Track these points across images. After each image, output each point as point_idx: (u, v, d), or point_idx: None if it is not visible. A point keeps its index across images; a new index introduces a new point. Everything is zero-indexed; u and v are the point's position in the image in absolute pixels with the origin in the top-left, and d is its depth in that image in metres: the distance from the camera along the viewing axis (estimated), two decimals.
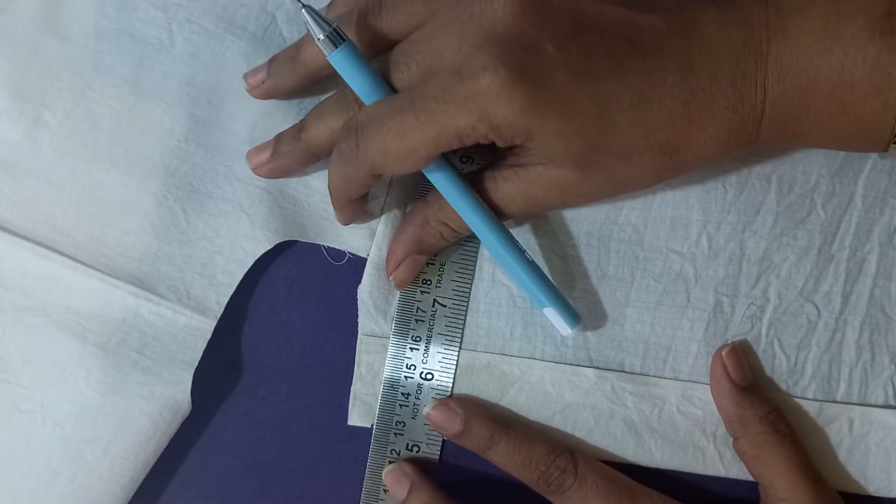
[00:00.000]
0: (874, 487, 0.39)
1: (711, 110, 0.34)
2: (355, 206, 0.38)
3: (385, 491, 0.39)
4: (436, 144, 0.34)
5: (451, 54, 0.33)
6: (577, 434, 0.39)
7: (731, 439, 0.39)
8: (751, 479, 0.39)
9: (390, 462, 0.39)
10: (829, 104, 0.33)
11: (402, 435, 0.40)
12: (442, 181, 0.36)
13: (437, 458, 0.40)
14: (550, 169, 0.35)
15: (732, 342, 0.39)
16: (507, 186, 0.36)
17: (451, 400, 0.39)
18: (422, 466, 0.39)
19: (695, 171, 0.38)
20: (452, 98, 0.33)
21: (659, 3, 0.35)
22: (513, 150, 0.36)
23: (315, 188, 0.41)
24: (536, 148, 0.34)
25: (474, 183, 0.37)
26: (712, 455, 0.39)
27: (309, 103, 0.41)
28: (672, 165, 0.35)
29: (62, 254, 0.40)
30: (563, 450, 0.37)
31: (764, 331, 0.40)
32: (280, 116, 0.41)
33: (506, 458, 0.37)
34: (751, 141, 0.35)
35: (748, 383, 0.38)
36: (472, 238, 0.39)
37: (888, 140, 0.34)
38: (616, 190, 0.37)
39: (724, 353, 0.38)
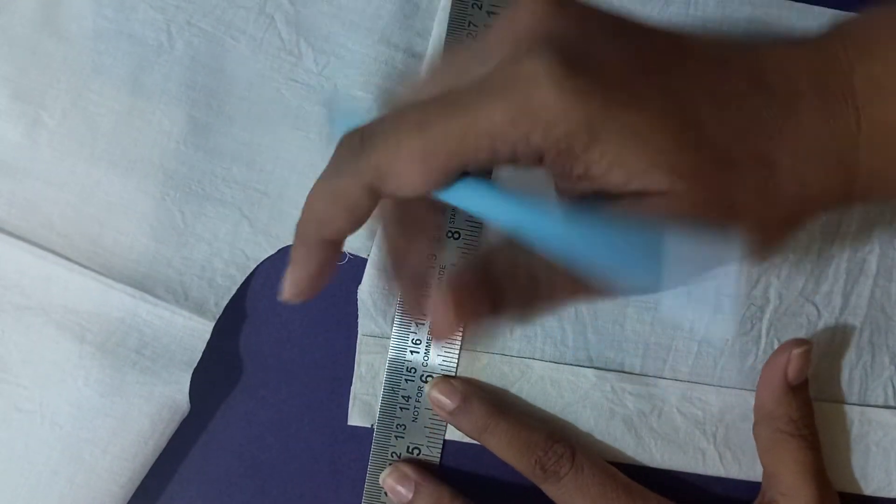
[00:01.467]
0: (873, 487, 0.39)
1: (798, 121, 0.28)
2: (322, 254, 0.28)
3: (386, 494, 0.39)
4: (460, 146, 0.25)
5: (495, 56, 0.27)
6: (577, 434, 0.39)
7: (731, 439, 0.39)
8: (750, 479, 0.39)
9: (390, 464, 0.39)
10: None
11: (402, 438, 0.40)
12: (474, 198, 0.27)
13: (438, 460, 0.40)
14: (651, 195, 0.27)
15: (809, 342, 0.38)
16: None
17: (453, 378, 0.39)
18: (421, 466, 0.39)
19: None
20: (487, 87, 0.26)
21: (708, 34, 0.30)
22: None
23: None
24: (606, 157, 0.26)
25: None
26: (712, 455, 0.39)
27: (311, 110, 0.41)
28: (773, 190, 0.28)
29: (60, 255, 0.39)
30: (561, 437, 0.38)
31: (764, 331, 0.40)
32: (279, 120, 0.41)
33: (502, 443, 0.37)
34: (850, 167, 0.29)
35: (798, 384, 0.38)
36: (471, 239, 0.39)
37: None
38: (721, 223, 0.28)
39: (795, 352, 0.37)
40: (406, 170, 0.26)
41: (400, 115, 0.27)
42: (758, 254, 0.29)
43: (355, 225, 0.28)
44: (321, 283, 0.29)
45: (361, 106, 0.21)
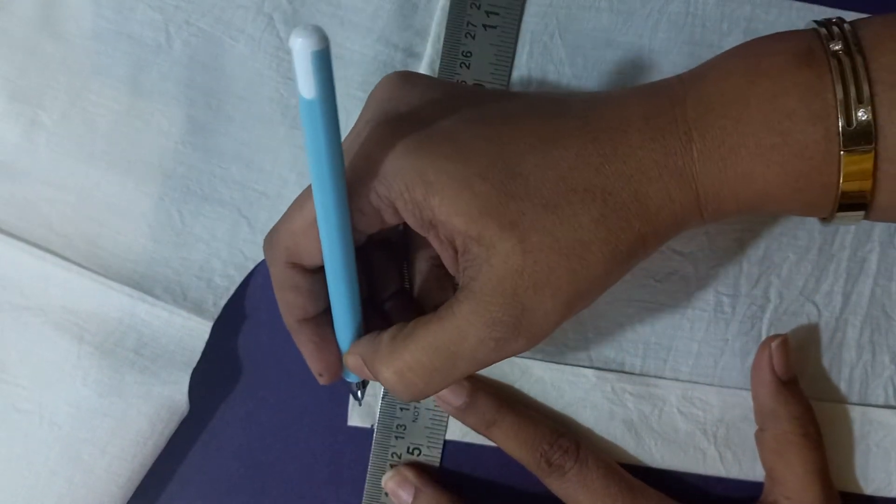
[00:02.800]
0: (874, 487, 0.39)
1: (626, 143, 0.30)
2: (312, 333, 0.34)
3: (386, 494, 0.39)
4: None
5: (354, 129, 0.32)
6: (578, 434, 0.39)
7: (732, 439, 0.39)
8: (751, 479, 0.39)
9: (392, 466, 0.39)
10: (768, 135, 0.30)
11: (402, 438, 0.40)
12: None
13: (438, 462, 0.40)
14: (492, 258, 0.29)
15: (784, 335, 0.39)
16: (461, 309, 0.30)
17: None
18: (422, 471, 0.39)
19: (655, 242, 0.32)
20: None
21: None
22: (459, 269, 0.31)
23: None
24: (445, 206, 0.29)
25: (423, 317, 0.31)
26: (713, 455, 0.39)
27: None
28: (612, 215, 0.30)
29: (58, 255, 0.40)
30: (566, 431, 0.38)
31: (764, 330, 0.40)
32: (278, 119, 0.41)
33: (509, 437, 0.37)
34: (688, 179, 0.31)
35: (789, 378, 0.38)
36: None
37: (836, 184, 0.30)
38: (574, 268, 0.30)
39: (773, 345, 0.38)
40: (304, 244, 0.31)
41: (291, 206, 0.32)
42: (617, 275, 0.31)
43: (307, 297, 0.33)
44: (334, 356, 0.34)
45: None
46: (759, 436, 0.38)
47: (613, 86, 0.41)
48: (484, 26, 0.41)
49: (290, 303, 0.33)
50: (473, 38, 0.41)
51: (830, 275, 0.40)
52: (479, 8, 0.41)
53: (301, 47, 0.24)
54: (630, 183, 0.30)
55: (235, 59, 0.41)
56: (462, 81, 0.33)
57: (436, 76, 0.41)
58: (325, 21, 0.41)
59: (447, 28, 0.41)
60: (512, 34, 0.41)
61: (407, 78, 0.32)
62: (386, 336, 0.32)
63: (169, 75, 0.41)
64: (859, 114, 0.29)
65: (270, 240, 0.32)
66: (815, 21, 0.31)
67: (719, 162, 0.30)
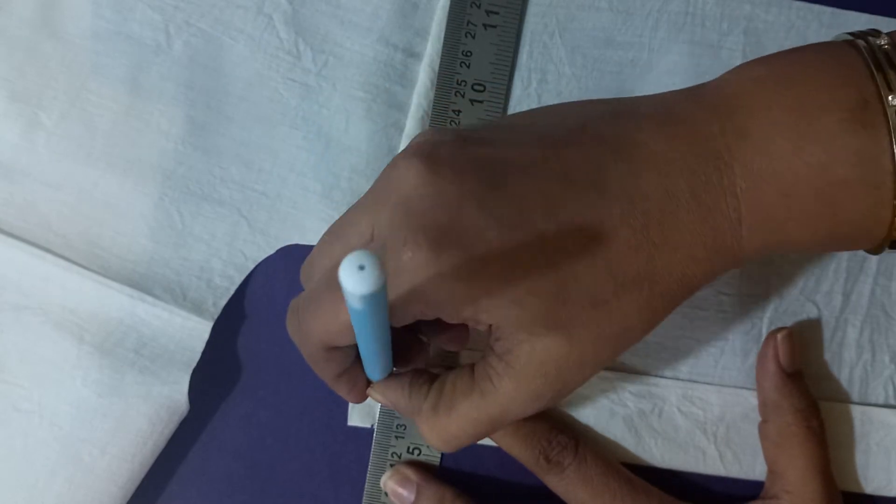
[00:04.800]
0: (874, 486, 0.39)
1: (676, 228, 0.30)
2: (348, 380, 0.34)
3: (386, 494, 0.39)
4: None
5: (376, 229, 0.30)
6: (578, 433, 0.39)
7: (732, 438, 0.39)
8: (751, 478, 0.39)
9: (391, 466, 0.39)
10: (816, 206, 0.29)
11: (402, 438, 0.40)
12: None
13: (438, 461, 0.40)
14: (535, 342, 0.29)
15: (789, 327, 0.39)
16: (503, 385, 0.30)
17: None
18: (423, 469, 0.39)
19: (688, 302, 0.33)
20: None
21: (582, 132, 0.31)
22: (491, 334, 0.31)
23: (312, 189, 0.41)
24: (494, 319, 0.29)
25: (463, 383, 0.32)
26: (713, 455, 0.39)
27: (309, 109, 0.41)
28: (658, 299, 0.30)
29: (58, 255, 0.39)
30: (565, 427, 0.38)
31: (765, 329, 0.40)
32: (278, 119, 0.41)
33: (507, 433, 0.37)
34: (735, 253, 0.31)
35: (794, 371, 0.38)
36: None
37: (883, 239, 0.30)
38: (616, 346, 0.31)
39: (779, 336, 0.38)
40: (342, 339, 0.30)
41: (320, 297, 0.30)
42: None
43: (342, 361, 0.33)
44: (363, 387, 0.35)
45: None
46: (763, 428, 0.38)
47: (613, 85, 0.41)
48: (484, 26, 0.41)
49: (324, 368, 0.33)
50: (473, 37, 0.41)
51: (830, 274, 0.40)
52: (479, 7, 0.41)
53: (352, 289, 0.23)
54: (678, 267, 0.30)
55: (235, 59, 0.41)
56: (432, 148, 0.30)
57: (436, 75, 0.41)
58: (324, 21, 0.41)
59: (447, 28, 0.41)
60: (512, 34, 0.41)
61: (433, 166, 0.30)
62: (426, 406, 0.33)
63: (168, 75, 0.41)
64: None
65: (301, 329, 0.32)
66: (852, 34, 0.30)
67: (766, 234, 0.30)
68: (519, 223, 0.29)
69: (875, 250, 0.31)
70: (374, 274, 0.23)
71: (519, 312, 0.29)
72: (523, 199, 0.30)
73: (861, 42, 0.30)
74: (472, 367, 0.32)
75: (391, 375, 0.35)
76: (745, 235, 0.30)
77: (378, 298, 0.24)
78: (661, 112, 0.31)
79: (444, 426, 0.32)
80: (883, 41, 0.30)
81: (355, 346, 0.32)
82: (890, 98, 0.28)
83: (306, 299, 0.32)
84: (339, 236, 0.32)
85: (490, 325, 0.30)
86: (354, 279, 0.23)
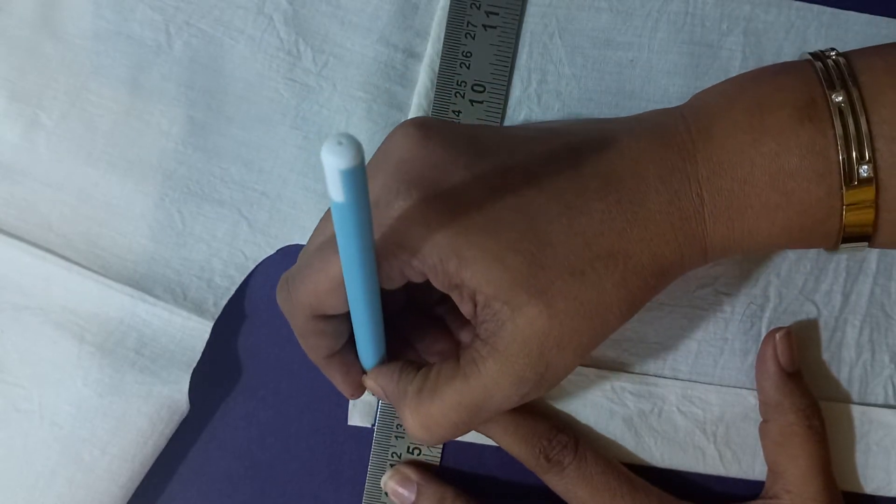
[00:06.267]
0: (874, 486, 0.39)
1: (646, 207, 0.32)
2: (340, 364, 0.35)
3: (387, 494, 0.39)
4: None
5: (371, 194, 0.31)
6: (577, 433, 0.39)
7: (732, 438, 0.39)
8: (750, 478, 0.39)
9: (391, 466, 0.39)
10: (773, 195, 0.32)
11: (402, 438, 0.40)
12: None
13: (438, 461, 0.40)
14: (517, 318, 0.30)
15: (787, 327, 0.39)
16: (487, 368, 0.31)
17: None
18: (423, 468, 0.39)
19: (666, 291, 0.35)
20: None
21: (566, 132, 0.34)
22: (477, 320, 0.32)
23: (313, 189, 0.41)
24: (477, 279, 0.30)
25: (447, 368, 0.32)
26: (712, 455, 0.39)
27: (309, 109, 0.41)
28: (633, 276, 0.32)
29: (58, 255, 0.40)
30: (565, 426, 0.38)
31: (764, 329, 0.40)
32: (278, 119, 0.41)
33: (507, 433, 0.37)
34: (701, 240, 0.33)
35: (794, 370, 0.38)
36: None
37: (838, 231, 0.32)
38: (595, 326, 0.32)
39: (778, 336, 0.38)
40: (330, 301, 0.31)
41: (309, 260, 0.32)
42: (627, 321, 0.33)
43: (332, 338, 0.33)
44: (358, 378, 0.35)
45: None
46: (763, 428, 0.38)
47: (613, 85, 0.41)
48: (484, 26, 0.41)
49: (315, 346, 0.34)
50: (473, 38, 0.41)
51: (830, 274, 0.40)
52: (479, 8, 0.41)
53: (331, 164, 0.23)
54: (649, 246, 0.32)
55: (235, 59, 0.41)
56: (426, 119, 0.32)
57: (435, 75, 0.41)
58: (324, 21, 0.41)
59: (447, 28, 0.41)
60: (512, 34, 0.41)
61: (426, 132, 0.32)
62: (412, 389, 0.33)
63: (169, 76, 0.41)
64: (861, 171, 0.31)
65: (289, 295, 0.32)
66: (811, 54, 0.33)
67: (727, 222, 0.32)
68: (503, 186, 0.31)
69: (833, 246, 0.33)
70: (354, 147, 0.23)
71: (500, 272, 0.30)
72: (507, 168, 0.32)
73: (816, 57, 0.33)
74: (457, 355, 0.33)
75: (383, 364, 0.35)
76: (708, 220, 0.32)
77: (358, 180, 0.24)
78: (635, 121, 0.34)
79: (426, 410, 0.32)
80: (833, 54, 0.33)
81: (347, 324, 0.32)
82: (833, 96, 0.31)
83: (296, 267, 0.33)
84: (329, 214, 0.32)
85: (475, 302, 0.31)
86: (334, 154, 0.23)
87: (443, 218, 0.30)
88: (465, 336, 0.36)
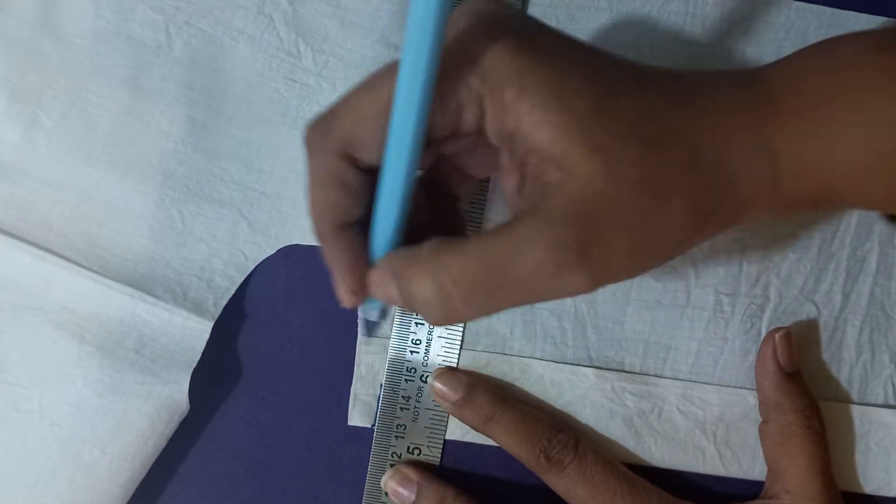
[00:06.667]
0: (873, 486, 0.39)
1: (716, 105, 0.29)
2: (348, 242, 0.31)
3: (387, 494, 0.39)
4: None
5: None
6: (577, 433, 0.39)
7: (731, 438, 0.39)
8: (750, 478, 0.39)
9: (391, 465, 0.39)
10: (851, 112, 0.29)
11: (402, 438, 0.40)
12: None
13: (439, 461, 0.40)
14: (567, 182, 0.27)
15: (787, 327, 0.39)
16: (522, 225, 0.27)
17: (456, 370, 0.39)
18: (423, 468, 0.39)
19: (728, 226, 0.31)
20: None
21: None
22: (521, 197, 0.29)
23: None
24: (534, 112, 0.27)
25: (487, 239, 0.28)
26: (712, 454, 0.39)
27: (309, 109, 0.41)
28: (701, 174, 0.28)
29: (58, 255, 0.39)
30: (565, 426, 0.38)
31: (764, 329, 0.40)
32: (278, 119, 0.41)
33: (507, 432, 0.37)
34: (771, 153, 0.29)
35: (793, 370, 0.38)
36: None
37: None
38: (657, 211, 0.28)
39: (777, 336, 0.38)
40: (370, 128, 0.28)
41: (355, 88, 0.29)
42: (686, 244, 0.29)
43: (353, 197, 0.30)
44: (362, 270, 0.31)
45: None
46: (763, 428, 0.38)
47: None
48: None
49: (332, 202, 0.30)
50: None
51: (830, 274, 0.40)
52: None
53: None
54: (716, 146, 0.29)
55: (235, 59, 0.41)
56: None
57: None
58: (324, 21, 0.41)
59: None
60: None
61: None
62: (428, 245, 0.29)
63: (169, 76, 0.41)
64: None
65: (323, 125, 0.29)
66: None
67: (804, 137, 0.29)
68: (576, 45, 0.29)
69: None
70: None
71: (559, 112, 0.27)
72: (580, 41, 0.30)
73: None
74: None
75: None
76: (781, 130, 0.29)
77: None
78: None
79: (442, 265, 0.28)
80: None
81: (370, 192, 0.30)
82: None
83: (342, 96, 0.30)
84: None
85: (525, 164, 0.28)
86: None
87: (511, 44, 0.27)
88: None
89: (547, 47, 0.28)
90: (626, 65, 0.30)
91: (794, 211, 0.31)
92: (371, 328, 0.39)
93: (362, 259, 0.31)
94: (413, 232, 0.31)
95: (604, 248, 0.27)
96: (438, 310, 0.28)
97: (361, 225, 0.31)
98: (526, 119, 0.27)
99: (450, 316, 0.28)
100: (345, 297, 0.31)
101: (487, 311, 0.28)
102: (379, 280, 0.31)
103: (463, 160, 0.33)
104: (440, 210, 0.34)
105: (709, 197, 0.29)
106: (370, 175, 0.30)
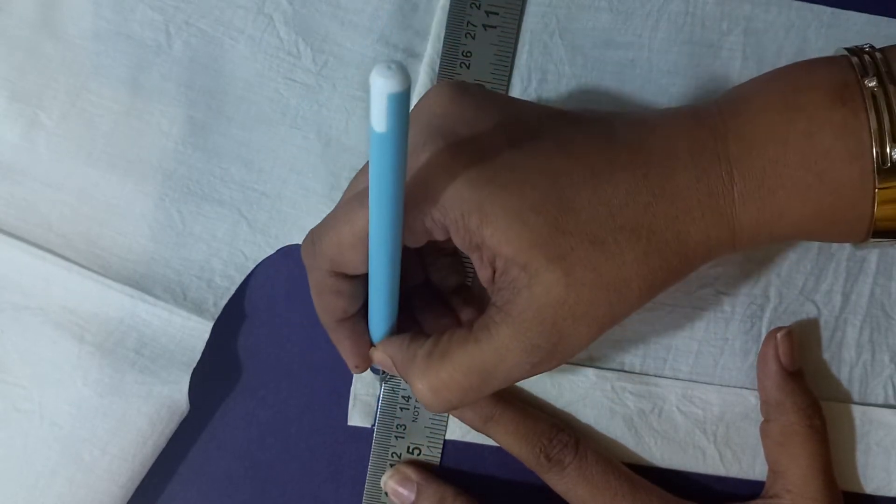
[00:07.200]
0: (874, 486, 0.39)
1: (674, 183, 0.31)
2: (350, 331, 0.35)
3: (387, 494, 0.39)
4: None
5: None
6: (577, 432, 0.39)
7: (732, 438, 0.39)
8: (750, 478, 0.39)
9: (391, 465, 0.39)
10: (805, 174, 0.31)
11: (402, 438, 0.40)
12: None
13: (439, 461, 0.40)
14: (534, 285, 0.30)
15: (789, 326, 0.39)
16: (500, 333, 0.31)
17: None
18: (423, 468, 0.39)
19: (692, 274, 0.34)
20: None
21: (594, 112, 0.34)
22: (495, 287, 0.32)
23: (313, 189, 0.41)
24: (497, 238, 0.30)
25: (458, 333, 0.32)
26: (712, 454, 0.39)
27: (309, 109, 0.41)
28: (655, 255, 0.31)
29: (58, 255, 0.40)
30: (565, 426, 0.38)
31: (764, 329, 0.40)
32: (278, 119, 0.41)
33: (507, 432, 0.37)
34: (729, 221, 0.32)
35: (795, 369, 0.38)
36: None
37: (870, 218, 0.32)
38: (612, 302, 0.31)
39: (779, 335, 0.38)
40: (351, 256, 0.31)
41: (335, 213, 0.32)
42: (647, 302, 0.33)
43: (348, 300, 0.33)
44: (365, 349, 0.35)
45: None
46: (765, 428, 0.38)
47: (613, 85, 0.41)
48: (484, 26, 0.41)
49: (329, 305, 0.34)
50: (473, 37, 0.41)
51: (830, 274, 0.40)
52: (479, 8, 0.41)
53: (380, 87, 0.23)
54: (674, 223, 0.31)
55: (235, 59, 0.41)
56: (463, 81, 0.33)
57: (436, 75, 0.41)
58: (324, 21, 0.41)
59: (447, 28, 0.41)
60: (512, 34, 0.41)
61: (462, 91, 0.32)
62: (421, 352, 0.33)
63: (169, 76, 0.41)
64: (894, 152, 0.30)
65: (313, 248, 0.32)
66: (846, 49, 0.32)
67: (758, 202, 0.32)
68: (531, 148, 0.31)
69: (863, 237, 0.32)
70: (403, 72, 0.23)
71: (521, 231, 0.30)
72: (538, 131, 0.32)
73: (851, 52, 0.32)
74: (471, 323, 0.32)
75: (394, 335, 0.35)
76: (737, 199, 0.32)
77: (403, 107, 0.24)
78: (666, 110, 0.34)
79: (435, 373, 0.32)
80: (868, 48, 0.32)
81: (364, 289, 0.33)
82: (866, 81, 0.31)
83: (324, 220, 0.33)
84: (363, 170, 0.33)
85: (494, 268, 0.31)
86: (384, 77, 0.23)
87: (468, 172, 0.30)
88: (466, 314, 0.36)
89: (505, 163, 0.31)
90: (587, 149, 0.32)
91: (745, 240, 0.33)
92: (377, 369, 0.39)
93: (363, 340, 0.35)
94: (409, 296, 0.36)
95: (570, 340, 0.31)
96: (434, 405, 0.32)
97: (363, 311, 0.35)
98: (490, 239, 0.30)
99: (444, 408, 0.33)
100: (351, 369, 0.36)
101: (474, 400, 0.33)
102: (381, 361, 0.35)
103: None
104: (437, 266, 0.36)
105: (665, 273, 0.32)
106: (362, 277, 0.33)
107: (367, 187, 0.28)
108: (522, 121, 0.32)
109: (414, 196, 0.30)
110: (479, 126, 0.31)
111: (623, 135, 0.32)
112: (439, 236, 0.31)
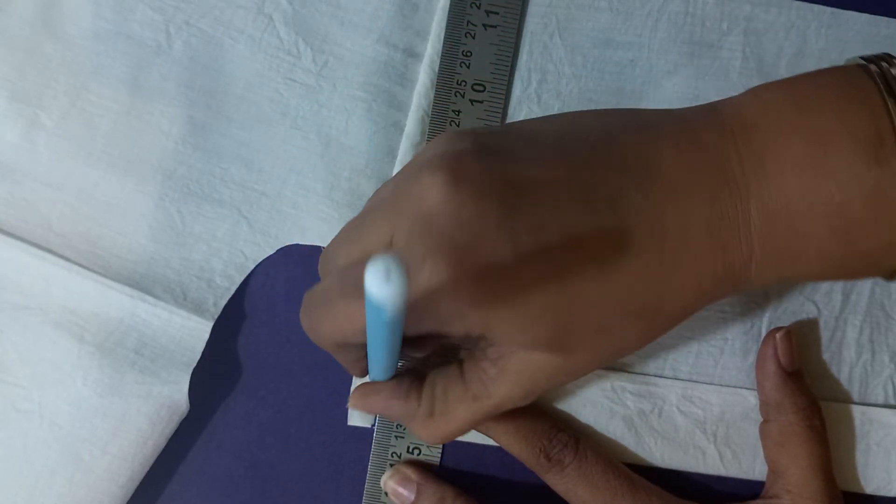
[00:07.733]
0: (874, 486, 0.39)
1: (689, 265, 0.30)
2: (350, 353, 0.34)
3: (387, 494, 0.39)
4: None
5: (396, 238, 0.30)
6: (577, 433, 0.39)
7: (732, 438, 0.39)
8: (750, 478, 0.39)
9: (391, 465, 0.39)
10: (832, 245, 0.30)
11: (402, 438, 0.40)
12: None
13: (438, 461, 0.40)
14: (532, 356, 0.30)
15: (787, 326, 0.39)
16: (497, 389, 0.32)
17: None
18: (423, 467, 0.39)
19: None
20: None
21: (606, 150, 0.31)
22: (486, 340, 0.31)
23: (313, 189, 0.41)
24: (500, 338, 0.30)
25: (455, 388, 0.33)
26: (712, 455, 0.39)
27: (309, 109, 0.41)
28: (657, 326, 0.32)
29: (58, 255, 0.39)
30: (566, 426, 0.38)
31: (764, 329, 0.40)
32: (278, 119, 0.41)
33: (507, 432, 0.37)
34: (742, 285, 0.32)
35: (794, 369, 0.38)
36: None
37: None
38: (605, 362, 0.33)
39: (778, 336, 0.38)
40: (350, 341, 0.31)
41: (329, 302, 0.31)
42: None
43: (358, 354, 0.33)
44: (365, 362, 0.34)
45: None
46: (764, 428, 0.38)
47: (613, 85, 0.41)
48: (484, 26, 0.41)
49: (342, 358, 0.34)
50: (473, 37, 0.41)
51: None
52: (479, 8, 0.41)
53: (376, 297, 0.23)
54: (683, 299, 0.31)
55: (235, 59, 0.41)
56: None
57: (436, 75, 0.41)
58: (324, 21, 0.41)
59: (447, 28, 0.41)
60: (512, 34, 0.41)
61: (455, 182, 0.29)
62: (421, 412, 0.33)
63: (169, 76, 0.41)
64: None
65: (316, 329, 0.32)
66: (867, 61, 0.31)
67: (775, 272, 0.31)
68: (536, 247, 0.29)
69: (890, 276, 0.32)
70: (401, 283, 0.22)
71: (523, 337, 0.30)
72: (542, 222, 0.29)
73: (874, 68, 0.30)
74: (460, 368, 0.33)
75: (392, 381, 0.35)
76: (754, 269, 0.31)
77: (401, 307, 0.24)
78: (682, 134, 0.31)
79: (441, 429, 0.33)
80: (885, 64, 0.30)
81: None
82: None
83: (320, 297, 0.32)
84: (357, 237, 0.32)
85: (496, 344, 0.31)
86: (381, 286, 0.22)
87: (473, 294, 0.29)
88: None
89: (506, 274, 0.29)
90: (594, 238, 0.30)
91: (755, 288, 0.33)
92: None
93: (363, 354, 0.34)
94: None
95: (561, 385, 0.35)
96: (438, 443, 0.35)
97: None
98: (493, 354, 0.31)
99: (444, 442, 0.35)
100: (353, 375, 0.38)
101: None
102: (378, 410, 0.35)
103: None
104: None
105: (663, 332, 0.32)
106: None
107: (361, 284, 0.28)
108: (524, 206, 0.29)
109: (416, 311, 0.29)
110: (479, 230, 0.29)
111: (633, 203, 0.30)
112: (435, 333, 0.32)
